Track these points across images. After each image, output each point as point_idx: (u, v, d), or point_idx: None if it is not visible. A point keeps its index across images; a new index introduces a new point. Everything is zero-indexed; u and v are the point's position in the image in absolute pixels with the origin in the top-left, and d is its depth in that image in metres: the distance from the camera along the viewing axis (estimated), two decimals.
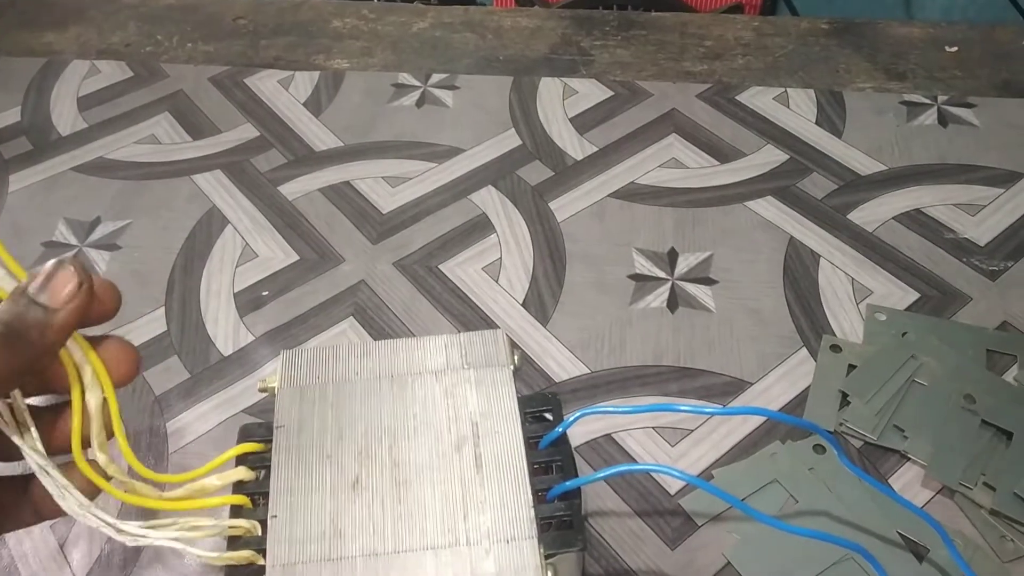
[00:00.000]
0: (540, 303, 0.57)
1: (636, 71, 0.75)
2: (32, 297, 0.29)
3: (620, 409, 0.39)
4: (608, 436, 0.50)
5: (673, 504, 0.47)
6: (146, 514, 0.39)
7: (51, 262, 0.30)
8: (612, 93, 0.73)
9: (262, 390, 0.40)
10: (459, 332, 0.51)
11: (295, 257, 0.61)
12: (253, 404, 0.53)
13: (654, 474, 0.48)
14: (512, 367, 0.40)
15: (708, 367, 0.53)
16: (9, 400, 0.31)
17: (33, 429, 0.32)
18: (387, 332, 0.56)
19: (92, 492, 0.33)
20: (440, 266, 0.60)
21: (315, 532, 0.35)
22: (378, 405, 0.38)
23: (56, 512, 0.34)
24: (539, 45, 0.79)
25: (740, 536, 0.45)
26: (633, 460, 0.49)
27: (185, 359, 0.55)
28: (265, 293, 0.59)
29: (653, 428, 0.50)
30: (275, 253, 0.61)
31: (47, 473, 0.32)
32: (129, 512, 0.48)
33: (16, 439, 0.32)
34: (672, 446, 0.50)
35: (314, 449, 0.37)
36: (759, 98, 0.72)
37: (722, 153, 0.67)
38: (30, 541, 0.47)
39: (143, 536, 0.34)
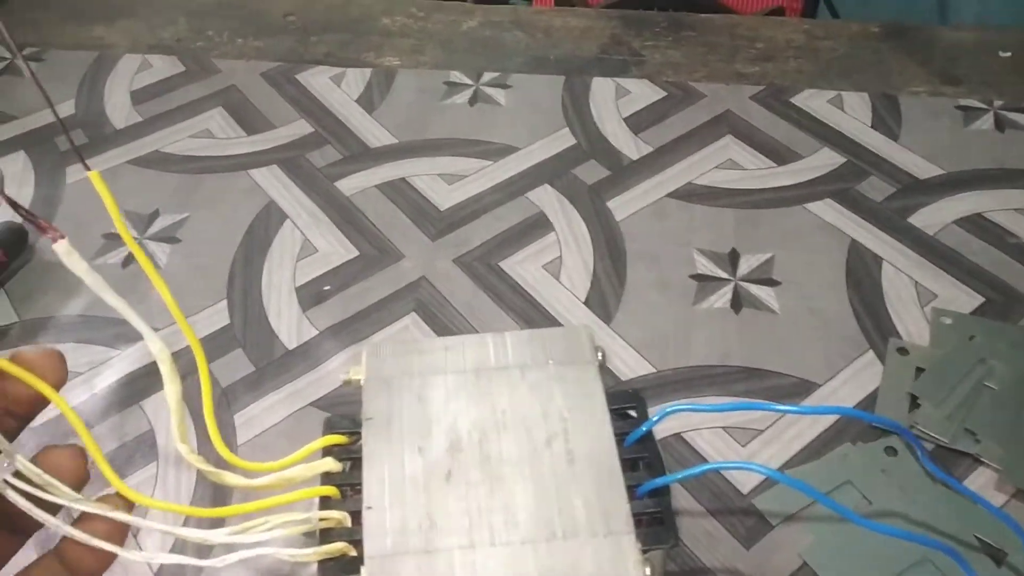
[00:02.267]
0: (603, 302, 0.57)
1: (688, 72, 0.75)
2: None
3: (707, 407, 0.40)
4: (678, 435, 0.50)
5: (746, 504, 0.47)
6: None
7: None
8: (665, 94, 0.73)
9: (346, 382, 0.40)
10: (539, 328, 0.52)
11: (355, 252, 0.61)
12: (321, 398, 0.53)
13: (726, 474, 0.48)
14: (597, 363, 0.40)
15: (775, 368, 0.53)
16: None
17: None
18: (450, 328, 0.56)
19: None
20: (500, 263, 0.60)
21: (411, 524, 0.35)
22: (466, 399, 0.38)
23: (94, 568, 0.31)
24: (589, 45, 0.79)
25: (816, 536, 0.45)
26: (704, 460, 0.49)
27: (250, 352, 0.55)
28: (327, 288, 0.59)
29: (723, 428, 0.50)
30: (335, 248, 0.61)
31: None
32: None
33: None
34: (743, 446, 0.49)
35: (405, 442, 0.37)
36: (813, 101, 0.72)
37: (779, 155, 0.67)
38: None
39: (236, 545, 0.34)
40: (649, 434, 0.39)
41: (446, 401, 0.38)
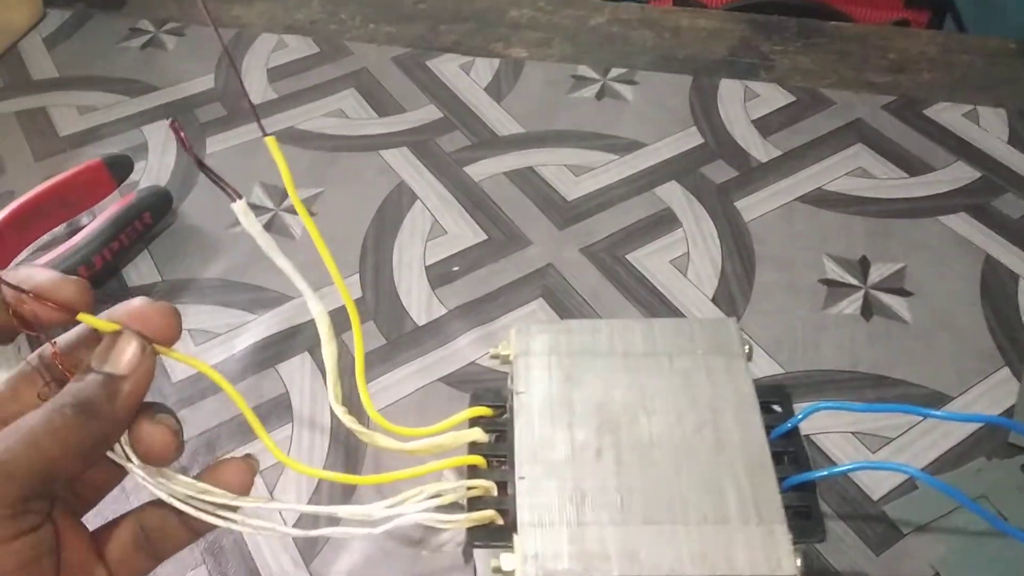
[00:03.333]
0: (730, 300, 0.57)
1: (818, 78, 0.75)
2: (96, 368, 0.28)
3: (856, 407, 0.39)
4: (807, 437, 0.50)
5: (877, 510, 0.47)
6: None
7: (111, 333, 0.29)
8: (794, 99, 0.73)
9: (494, 356, 0.41)
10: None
11: (483, 236, 0.62)
12: (449, 374, 0.54)
13: (856, 479, 0.48)
14: (745, 355, 0.40)
15: (905, 377, 0.53)
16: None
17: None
18: (576, 316, 0.56)
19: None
20: (627, 256, 0.60)
21: (563, 497, 0.35)
22: (614, 381, 0.39)
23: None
24: (718, 47, 0.78)
25: (949, 548, 0.45)
26: (832, 463, 0.49)
27: (381, 325, 0.56)
28: (455, 268, 0.60)
29: (853, 433, 0.50)
30: (464, 231, 0.62)
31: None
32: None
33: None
34: (872, 452, 0.49)
35: (555, 417, 0.38)
36: (947, 114, 0.70)
37: (911, 166, 0.66)
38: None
39: (396, 516, 0.35)
40: (795, 429, 0.39)
41: (595, 382, 0.39)
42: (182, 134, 0.37)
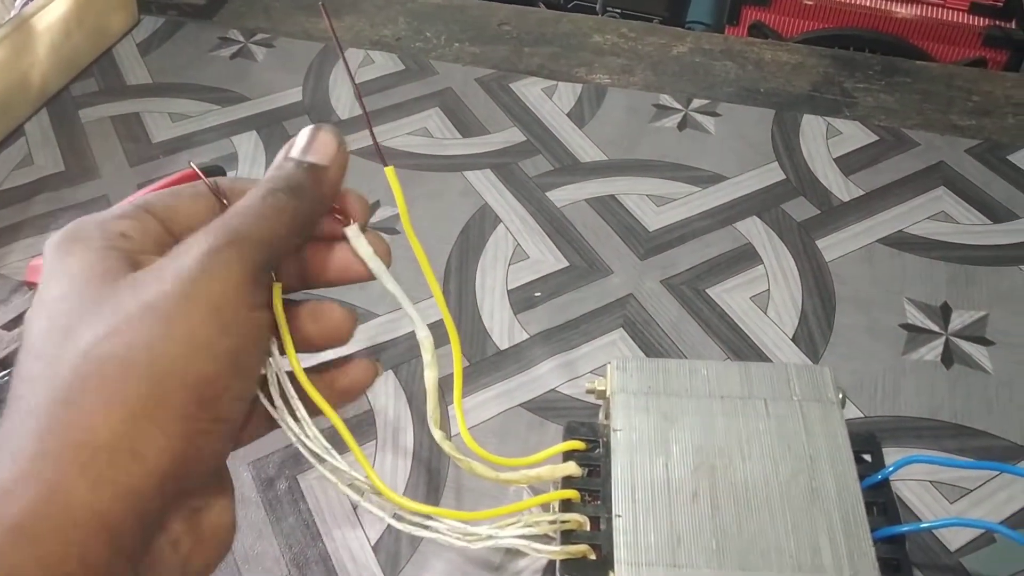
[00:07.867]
0: (810, 340, 0.58)
1: (901, 118, 0.75)
2: (299, 159, 0.31)
3: (953, 462, 0.40)
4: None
5: (953, 561, 0.47)
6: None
7: (307, 128, 0.32)
8: (877, 138, 0.73)
9: (589, 391, 0.42)
10: (748, 360, 0.53)
11: (565, 263, 0.63)
12: (529, 400, 0.55)
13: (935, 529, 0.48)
14: (839, 404, 0.41)
15: (987, 428, 0.53)
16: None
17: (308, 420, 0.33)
18: (657, 348, 0.57)
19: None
20: (707, 290, 0.61)
21: (659, 537, 0.36)
22: (710, 424, 0.40)
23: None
24: (800, 81, 0.79)
25: None
26: (910, 511, 0.49)
27: (463, 347, 0.58)
28: (537, 294, 0.61)
29: (931, 482, 0.50)
30: (546, 256, 0.63)
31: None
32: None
33: (291, 435, 0.32)
34: (951, 503, 0.49)
35: (651, 457, 0.38)
36: None
37: (994, 213, 0.66)
38: (325, 499, 0.50)
39: (493, 537, 0.36)
40: (885, 480, 0.39)
41: (692, 423, 0.40)
42: None
